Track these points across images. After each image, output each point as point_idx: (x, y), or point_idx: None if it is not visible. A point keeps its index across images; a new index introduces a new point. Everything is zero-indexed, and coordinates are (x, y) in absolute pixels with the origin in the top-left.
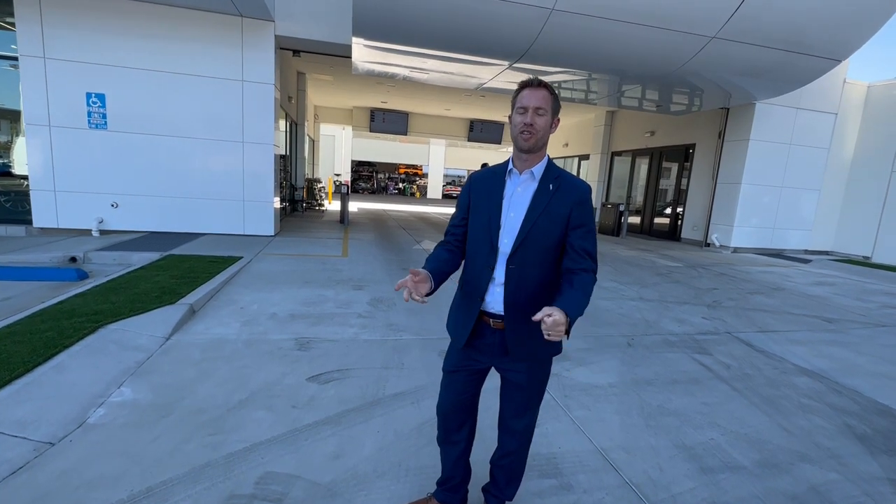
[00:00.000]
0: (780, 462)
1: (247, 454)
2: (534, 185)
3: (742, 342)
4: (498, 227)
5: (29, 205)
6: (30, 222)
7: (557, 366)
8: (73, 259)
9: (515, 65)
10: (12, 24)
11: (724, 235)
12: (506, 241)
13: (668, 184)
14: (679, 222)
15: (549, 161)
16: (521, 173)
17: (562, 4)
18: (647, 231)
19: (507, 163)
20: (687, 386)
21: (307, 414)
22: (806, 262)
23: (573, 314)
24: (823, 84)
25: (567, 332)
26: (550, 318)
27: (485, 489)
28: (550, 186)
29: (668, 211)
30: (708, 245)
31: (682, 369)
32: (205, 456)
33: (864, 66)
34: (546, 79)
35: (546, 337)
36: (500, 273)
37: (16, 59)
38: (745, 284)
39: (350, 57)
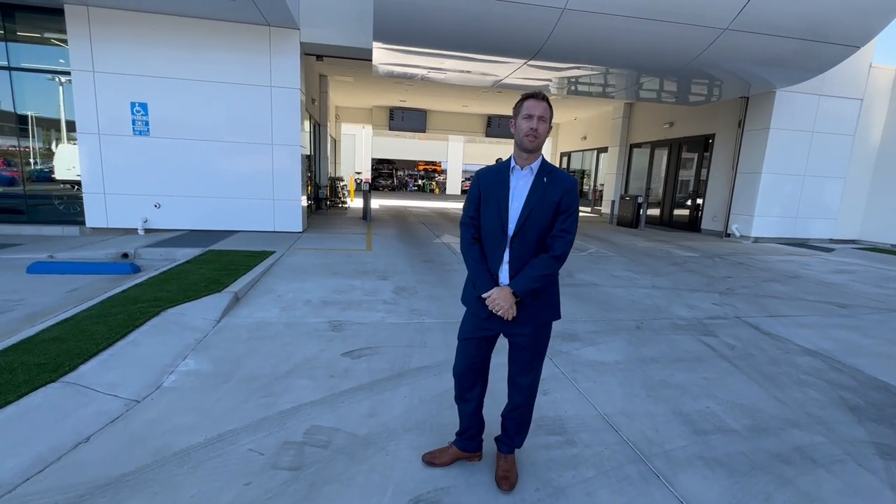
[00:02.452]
0: (769, 427)
1: (295, 412)
2: (532, 179)
3: (750, 326)
4: (507, 215)
5: (79, 207)
6: (83, 223)
7: (567, 345)
8: (125, 255)
9: (531, 62)
10: (63, 41)
11: (744, 225)
12: (511, 225)
13: (687, 175)
14: (699, 213)
15: (543, 159)
16: (522, 169)
17: (573, 4)
18: (666, 223)
19: (509, 161)
20: (690, 363)
21: (343, 382)
22: (829, 250)
23: (518, 289)
24: (847, 69)
25: (518, 303)
26: (489, 297)
27: (497, 439)
28: (545, 179)
29: (689, 202)
30: (728, 235)
31: (686, 349)
32: (261, 412)
33: (892, 49)
34: (561, 74)
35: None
36: (507, 253)
37: (60, 72)
38: (762, 273)
39: (370, 60)
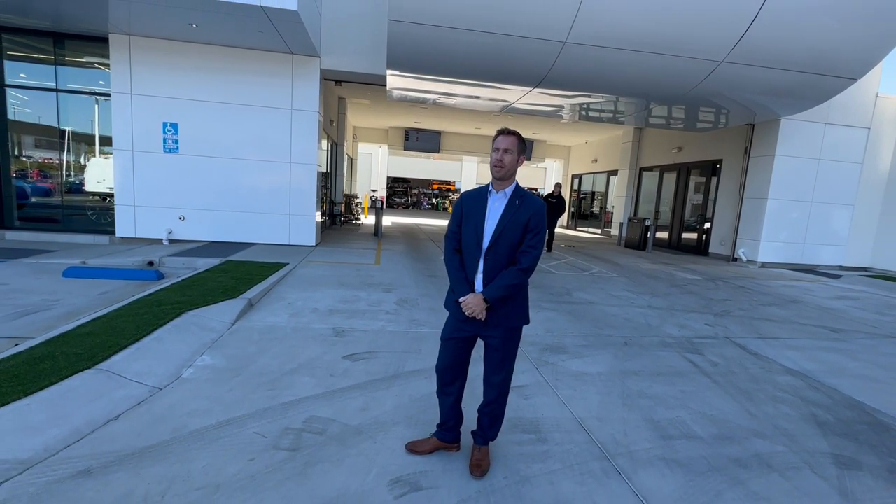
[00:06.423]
0: (734, 436)
1: (296, 404)
2: (506, 201)
3: (737, 346)
4: (482, 231)
5: (110, 218)
6: (113, 232)
7: (555, 357)
8: (151, 263)
9: (537, 89)
10: (106, 65)
11: (751, 250)
12: (486, 240)
13: (695, 199)
14: (707, 237)
15: (517, 185)
16: (497, 193)
17: (573, 37)
18: (674, 246)
19: (488, 185)
20: (670, 377)
21: (342, 381)
22: (836, 277)
23: (488, 296)
24: (853, 99)
25: (489, 308)
26: (464, 301)
27: (473, 432)
28: (517, 202)
29: (697, 225)
30: (735, 260)
31: (669, 364)
32: (266, 403)
33: None
34: (567, 101)
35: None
36: (481, 264)
37: (100, 94)
38: (761, 297)
39: (385, 85)
